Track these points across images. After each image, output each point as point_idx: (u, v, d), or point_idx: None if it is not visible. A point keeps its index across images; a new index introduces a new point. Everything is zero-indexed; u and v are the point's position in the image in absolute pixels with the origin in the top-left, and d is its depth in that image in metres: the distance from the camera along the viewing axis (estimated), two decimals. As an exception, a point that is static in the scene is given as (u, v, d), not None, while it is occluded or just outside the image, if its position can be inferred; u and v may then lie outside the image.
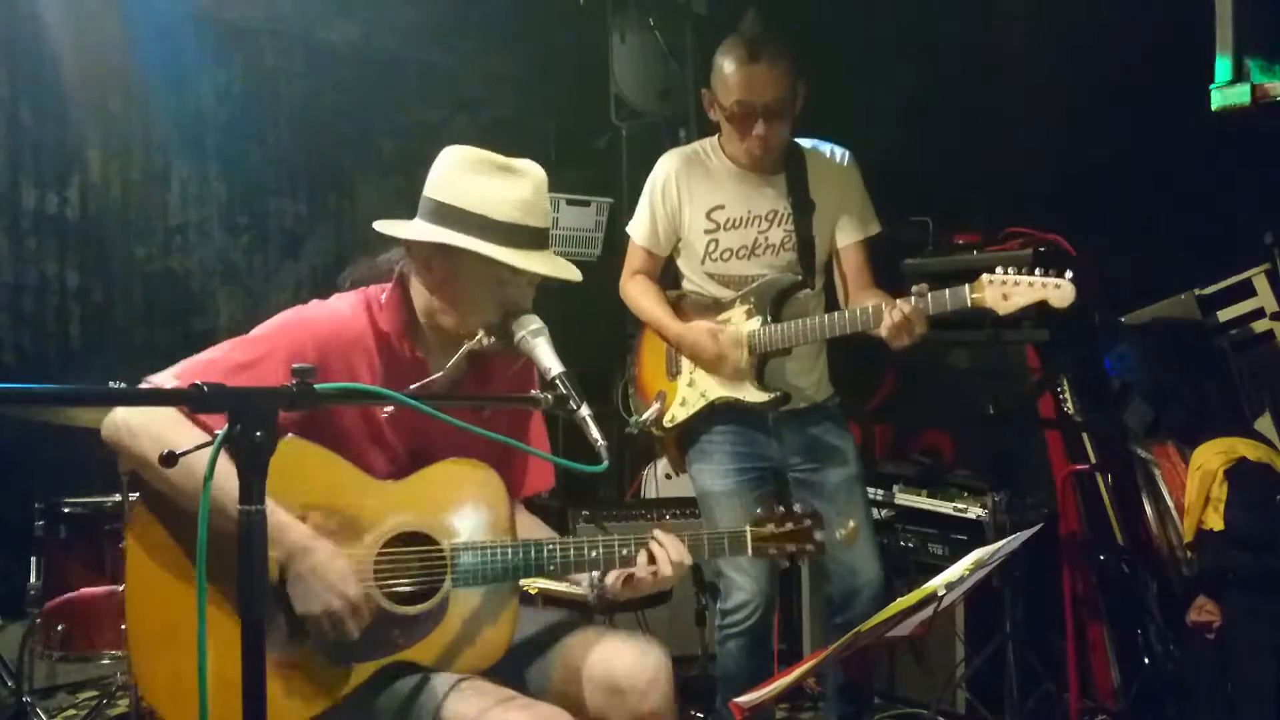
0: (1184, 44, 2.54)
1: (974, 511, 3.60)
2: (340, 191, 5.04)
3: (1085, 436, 3.68)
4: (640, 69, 4.61)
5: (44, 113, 4.26)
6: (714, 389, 2.91)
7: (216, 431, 1.42)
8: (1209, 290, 3.56)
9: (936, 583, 2.06)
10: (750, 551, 2.16)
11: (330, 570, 1.85)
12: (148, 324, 4.51)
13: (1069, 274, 2.50)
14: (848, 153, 3.02)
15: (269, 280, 4.85)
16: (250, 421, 1.40)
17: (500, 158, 2.03)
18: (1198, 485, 3.13)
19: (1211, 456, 3.13)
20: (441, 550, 1.98)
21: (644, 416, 2.94)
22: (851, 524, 2.31)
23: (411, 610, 1.95)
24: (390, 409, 2.00)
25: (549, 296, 2.14)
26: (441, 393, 2.03)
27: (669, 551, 2.04)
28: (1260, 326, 3.45)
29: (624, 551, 2.05)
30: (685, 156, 3.02)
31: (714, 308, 2.96)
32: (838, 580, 2.95)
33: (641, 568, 2.04)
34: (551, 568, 2.02)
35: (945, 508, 3.70)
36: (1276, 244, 3.42)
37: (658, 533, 2.06)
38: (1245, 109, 2.31)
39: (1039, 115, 3.97)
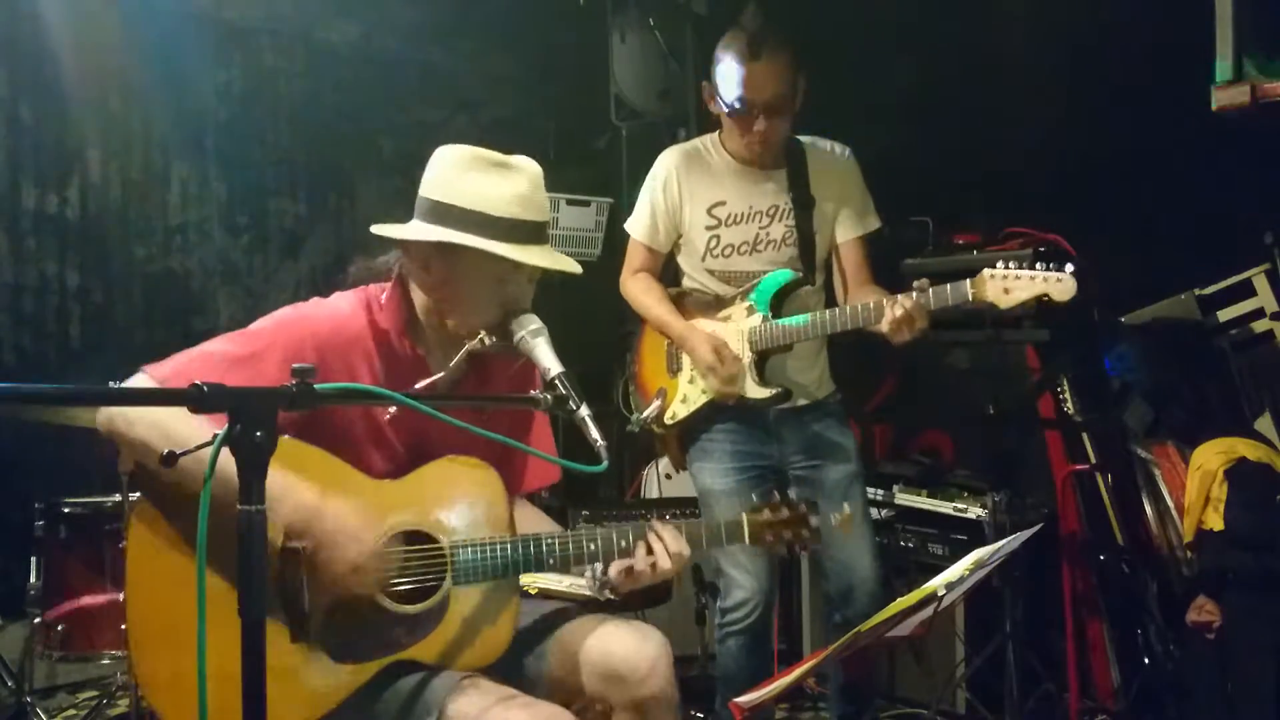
0: (1184, 44, 2.54)
1: (974, 511, 3.60)
2: (340, 191, 5.04)
3: (1085, 436, 3.68)
4: (640, 69, 4.61)
5: (44, 113, 4.26)
6: (715, 388, 2.91)
7: (216, 431, 1.42)
8: (1209, 290, 3.57)
9: (936, 583, 2.06)
10: (748, 539, 2.16)
11: (347, 526, 1.85)
12: (148, 324, 4.51)
13: (1070, 267, 2.50)
14: (847, 149, 3.02)
15: (269, 280, 4.85)
16: (250, 421, 1.40)
17: (495, 154, 2.02)
18: (1198, 485, 3.13)
19: (1211, 456, 3.13)
20: (441, 548, 1.98)
21: (645, 414, 2.94)
22: (846, 509, 2.32)
23: (413, 609, 1.95)
24: (392, 409, 2.00)
25: (549, 296, 2.14)
26: (442, 392, 2.03)
27: (667, 543, 2.04)
28: (1260, 326, 3.45)
29: (622, 544, 2.05)
30: (685, 153, 3.02)
31: (715, 304, 2.96)
32: (834, 578, 2.96)
33: (640, 560, 2.04)
34: (551, 562, 2.02)
35: (945, 508, 3.70)
36: (1276, 244, 3.42)
37: (655, 524, 2.06)
38: (1245, 109, 2.32)
39: (1039, 115, 3.97)
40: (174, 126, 4.56)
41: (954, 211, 3.89)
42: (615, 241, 4.38)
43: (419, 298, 2.07)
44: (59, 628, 3.22)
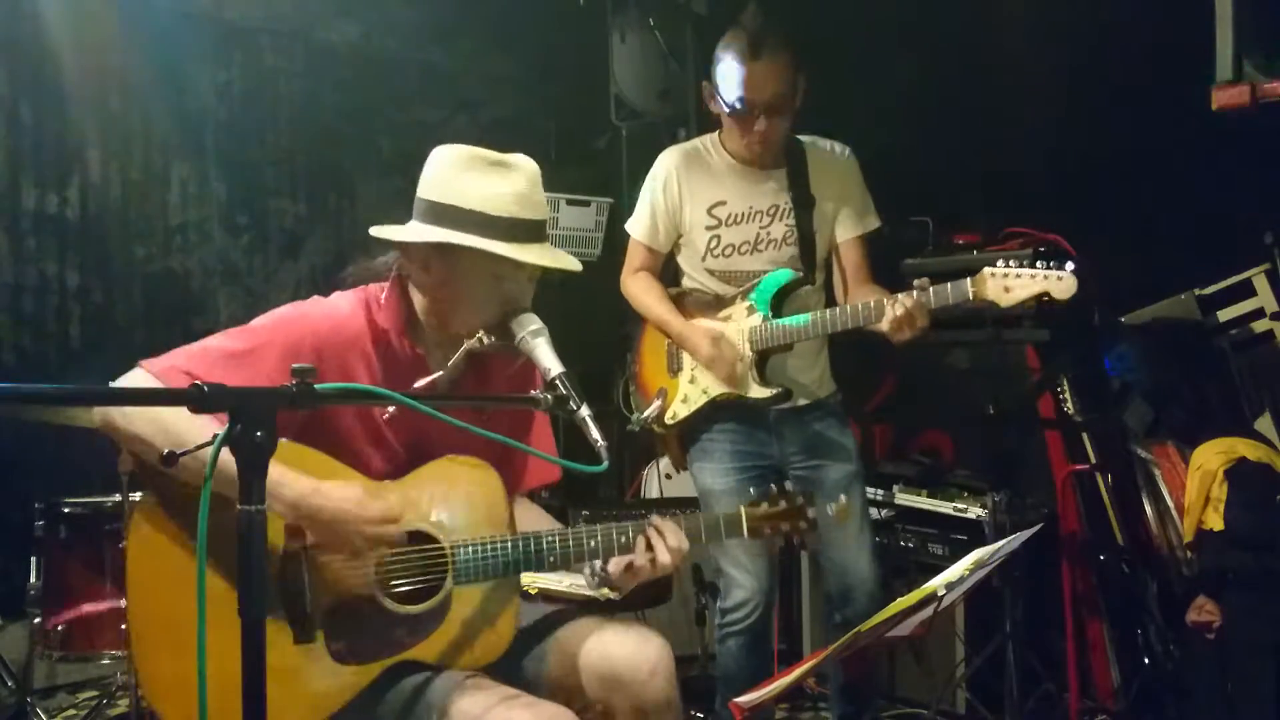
0: (1184, 44, 2.54)
1: (974, 511, 3.60)
2: (340, 191, 5.04)
3: (1085, 436, 3.68)
4: (640, 69, 4.61)
5: (44, 112, 4.26)
6: (715, 385, 2.91)
7: (213, 427, 1.42)
8: (1209, 290, 3.57)
9: (936, 583, 2.06)
10: (746, 533, 2.16)
11: (345, 508, 1.85)
12: (148, 324, 4.51)
13: (1071, 266, 2.50)
14: (847, 148, 3.02)
15: (269, 280, 4.85)
16: (250, 421, 1.40)
17: (492, 153, 2.02)
18: (1198, 485, 3.13)
19: (1211, 456, 3.13)
20: (442, 548, 1.98)
21: (645, 414, 2.94)
22: (843, 499, 2.32)
23: (415, 609, 1.95)
24: (391, 409, 2.00)
25: (549, 296, 2.14)
26: (442, 392, 2.03)
27: (667, 538, 2.04)
28: (1260, 326, 3.45)
29: (622, 539, 2.05)
30: (685, 153, 3.02)
31: (715, 304, 2.96)
32: (833, 578, 2.96)
33: (640, 555, 2.04)
34: (552, 559, 2.02)
35: (945, 508, 3.70)
36: (1276, 244, 3.42)
37: (655, 519, 2.07)
38: (1245, 109, 2.31)
39: (1039, 115, 3.98)
40: (174, 126, 4.57)
41: (954, 211, 3.89)
42: (615, 241, 4.38)
43: (418, 297, 2.07)
44: (59, 627, 3.22)
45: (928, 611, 2.08)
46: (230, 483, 1.41)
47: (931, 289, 2.60)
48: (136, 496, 3.07)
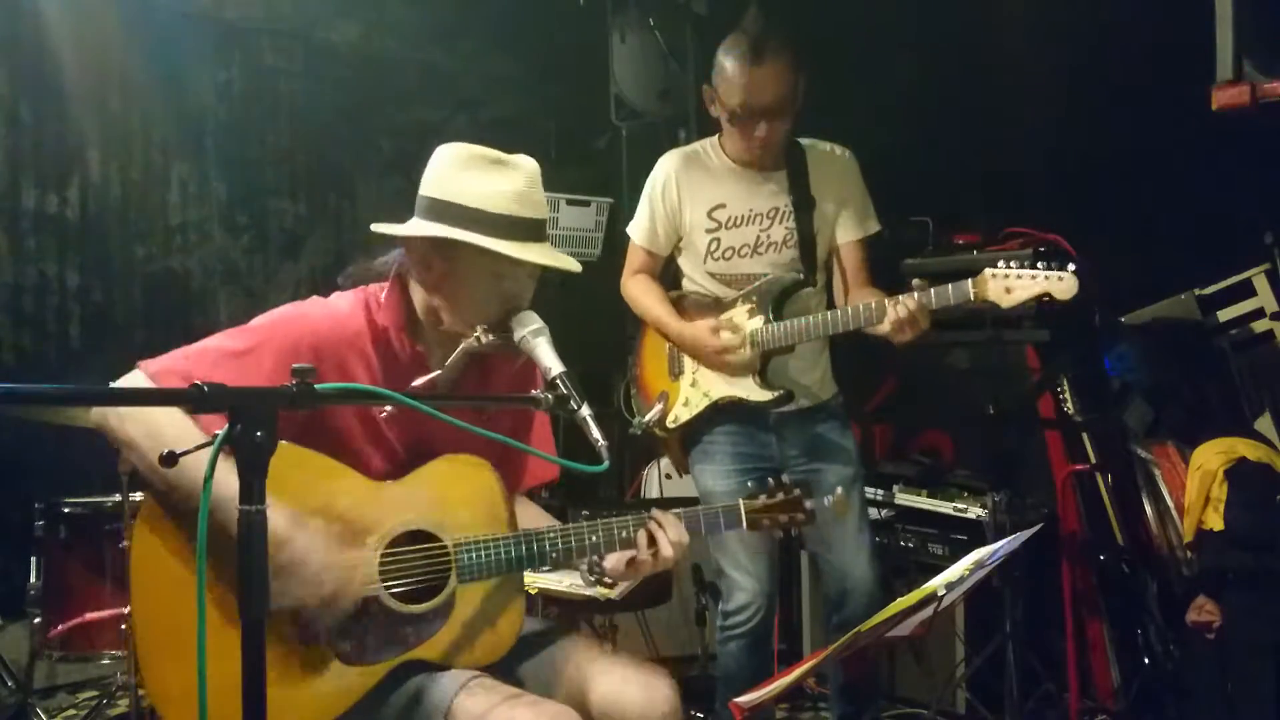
0: (1184, 44, 2.54)
1: (974, 511, 3.60)
2: (340, 191, 5.04)
3: (1085, 436, 3.68)
4: (640, 69, 4.61)
5: (44, 112, 4.26)
6: (717, 388, 2.91)
7: (201, 433, 1.42)
8: (1209, 290, 3.57)
9: (936, 583, 2.06)
10: (745, 524, 2.17)
11: (305, 566, 1.82)
12: (148, 324, 4.52)
13: (1071, 266, 2.50)
14: (847, 150, 3.02)
15: (269, 280, 4.85)
16: (250, 421, 1.40)
17: (493, 152, 2.03)
18: (1198, 485, 3.13)
19: (1211, 456, 3.13)
20: (445, 547, 1.98)
21: (647, 417, 2.94)
22: (840, 491, 2.32)
23: (419, 608, 1.95)
24: (389, 408, 2.00)
25: (549, 296, 2.14)
26: (442, 392, 2.03)
27: (668, 532, 2.05)
28: (1260, 326, 3.45)
29: (623, 534, 2.05)
30: (685, 156, 3.02)
31: (715, 307, 2.96)
32: (832, 581, 2.96)
33: (642, 549, 2.05)
34: (554, 555, 2.02)
35: (945, 508, 3.70)
36: (1276, 244, 3.42)
37: (656, 513, 2.07)
38: (1245, 109, 2.31)
39: (1039, 115, 3.98)
40: (174, 126, 4.57)
41: (954, 211, 3.89)
42: (615, 241, 4.38)
43: (418, 296, 2.07)
44: (59, 627, 3.22)
45: (928, 611, 2.08)
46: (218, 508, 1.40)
47: (933, 290, 2.60)
48: (137, 496, 3.08)
